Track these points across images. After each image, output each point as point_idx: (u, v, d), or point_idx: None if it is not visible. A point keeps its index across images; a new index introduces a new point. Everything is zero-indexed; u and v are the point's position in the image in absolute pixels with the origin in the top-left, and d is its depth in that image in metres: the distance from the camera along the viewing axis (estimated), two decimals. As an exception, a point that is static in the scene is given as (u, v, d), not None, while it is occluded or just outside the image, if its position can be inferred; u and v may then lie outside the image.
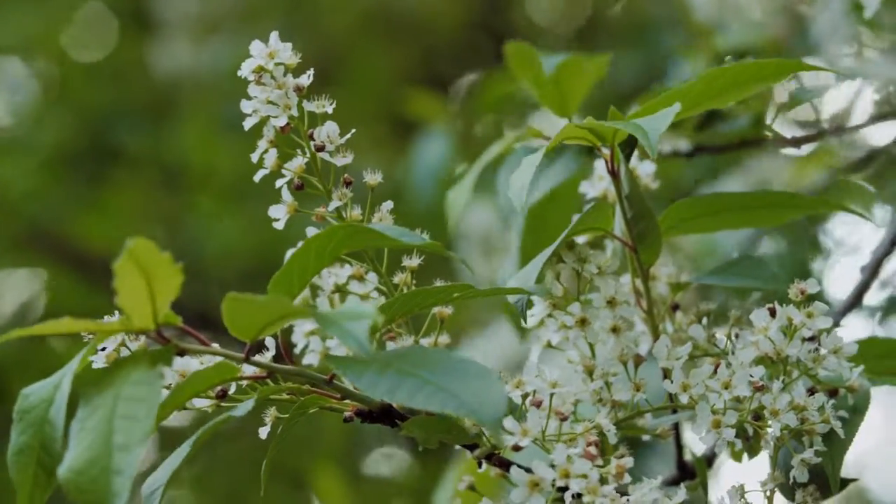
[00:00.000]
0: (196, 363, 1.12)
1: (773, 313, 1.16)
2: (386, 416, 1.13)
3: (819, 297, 1.17)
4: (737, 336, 1.18)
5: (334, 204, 1.18)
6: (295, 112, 1.17)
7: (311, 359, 1.23)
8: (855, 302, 1.62)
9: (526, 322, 1.21)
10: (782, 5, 2.02)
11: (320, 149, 1.17)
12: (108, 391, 1.00)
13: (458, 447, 1.17)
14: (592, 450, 1.09)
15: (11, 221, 3.24)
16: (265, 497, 1.14)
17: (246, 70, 1.17)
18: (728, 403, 1.15)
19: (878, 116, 1.91)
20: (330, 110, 1.17)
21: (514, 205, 1.15)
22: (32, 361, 3.03)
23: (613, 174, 1.22)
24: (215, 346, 1.09)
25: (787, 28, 1.99)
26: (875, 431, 2.64)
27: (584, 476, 1.07)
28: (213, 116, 3.20)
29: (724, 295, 1.97)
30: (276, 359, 1.12)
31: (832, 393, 1.17)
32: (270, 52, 1.17)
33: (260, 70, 1.17)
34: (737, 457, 1.27)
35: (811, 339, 1.15)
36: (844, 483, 1.17)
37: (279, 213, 1.18)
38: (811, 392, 1.15)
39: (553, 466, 1.06)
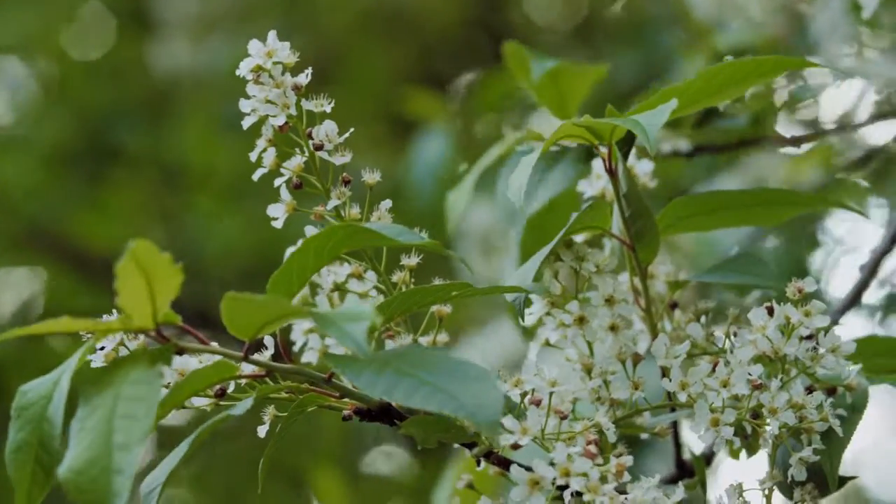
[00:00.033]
0: (195, 362, 1.12)
1: (770, 312, 1.16)
2: (385, 414, 1.13)
3: (817, 295, 1.16)
4: (735, 334, 1.18)
5: (333, 203, 1.18)
6: (293, 111, 1.17)
7: (309, 357, 1.23)
8: (854, 300, 1.62)
9: (524, 320, 1.21)
10: (782, 4, 2.01)
11: (319, 148, 1.17)
12: (107, 391, 0.99)
13: (456, 446, 1.17)
14: (592, 448, 1.09)
15: (11, 220, 3.24)
16: (263, 495, 1.14)
17: (244, 69, 1.17)
18: (726, 402, 1.14)
19: (878, 115, 1.91)
20: (328, 109, 1.17)
21: (514, 204, 1.15)
22: (32, 360, 3.03)
23: (611, 173, 1.22)
24: (214, 344, 1.09)
25: (786, 27, 1.99)
26: (873, 429, 2.65)
27: (585, 475, 1.06)
28: (212, 115, 3.20)
29: (722, 293, 1.96)
30: (274, 357, 1.12)
31: (830, 391, 1.17)
32: (269, 51, 1.17)
33: (258, 69, 1.17)
34: (735, 455, 1.26)
35: (809, 337, 1.15)
36: (843, 481, 1.17)
37: (278, 212, 1.18)
38: (809, 390, 1.15)
39: (553, 465, 1.07)
